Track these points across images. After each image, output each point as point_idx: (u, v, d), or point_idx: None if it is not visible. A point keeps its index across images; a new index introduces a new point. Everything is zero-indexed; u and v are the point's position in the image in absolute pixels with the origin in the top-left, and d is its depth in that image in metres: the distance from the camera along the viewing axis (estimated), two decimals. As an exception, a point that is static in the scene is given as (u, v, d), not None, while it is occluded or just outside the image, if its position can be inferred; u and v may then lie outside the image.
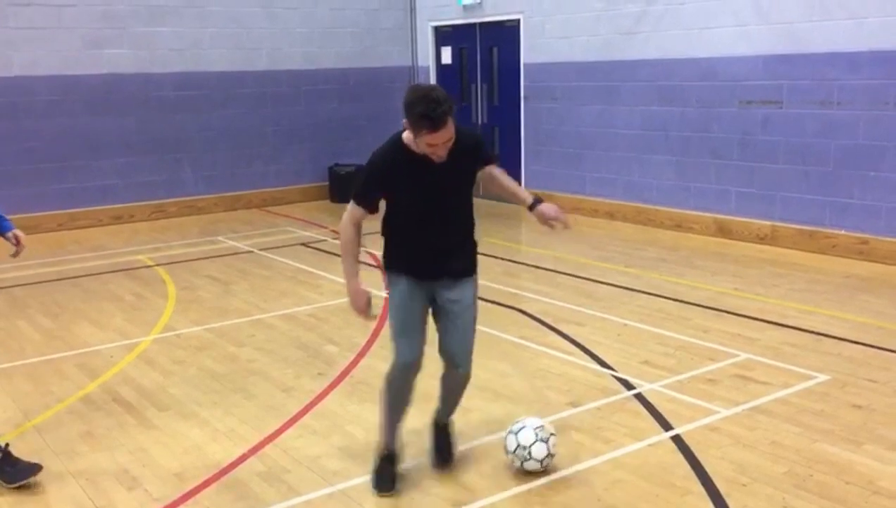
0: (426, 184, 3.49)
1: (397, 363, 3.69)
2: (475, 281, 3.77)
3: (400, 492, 3.79)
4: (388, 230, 3.71)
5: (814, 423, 4.41)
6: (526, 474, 3.86)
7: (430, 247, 3.63)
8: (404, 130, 3.49)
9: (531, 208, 3.78)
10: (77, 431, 4.55)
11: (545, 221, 3.78)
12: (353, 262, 3.66)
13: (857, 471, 3.89)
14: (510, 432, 3.88)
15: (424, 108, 3.25)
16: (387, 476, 3.81)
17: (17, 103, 9.96)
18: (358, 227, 3.63)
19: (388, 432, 3.84)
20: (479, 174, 3.76)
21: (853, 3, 7.73)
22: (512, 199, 3.88)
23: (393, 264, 3.72)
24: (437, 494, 3.80)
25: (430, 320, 3.78)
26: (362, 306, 3.67)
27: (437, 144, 3.34)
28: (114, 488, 3.93)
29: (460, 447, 4.14)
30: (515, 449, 3.82)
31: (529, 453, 3.79)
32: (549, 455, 3.83)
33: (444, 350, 3.75)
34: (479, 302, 3.86)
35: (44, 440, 4.45)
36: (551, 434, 3.86)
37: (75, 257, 8.91)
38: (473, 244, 3.79)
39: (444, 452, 4.03)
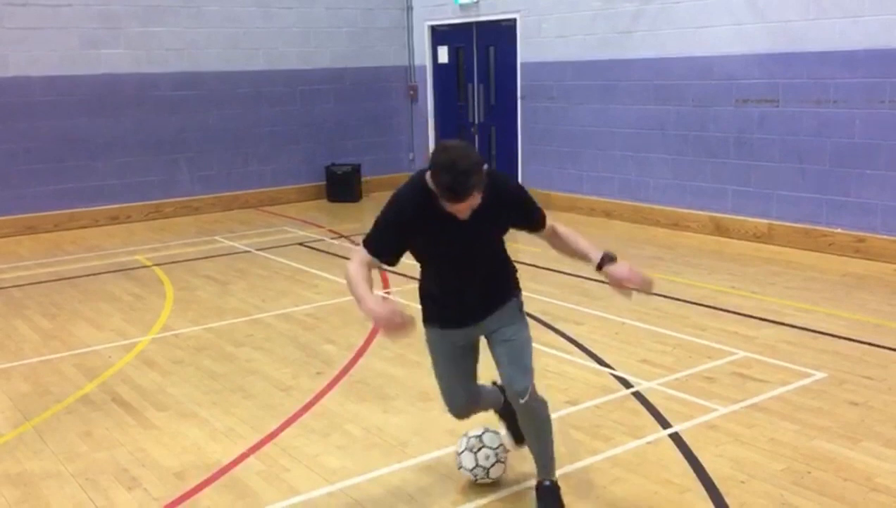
0: (452, 232, 3.19)
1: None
2: (517, 304, 3.48)
3: (400, 495, 3.80)
4: (420, 281, 3.50)
5: (811, 420, 4.42)
6: (521, 473, 3.88)
7: (461, 293, 3.37)
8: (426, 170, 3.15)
9: (599, 267, 3.32)
10: (76, 431, 4.56)
11: (617, 284, 3.29)
12: (364, 286, 3.13)
13: (854, 468, 3.91)
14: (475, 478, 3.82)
15: (450, 181, 2.97)
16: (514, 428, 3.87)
17: (14, 104, 9.94)
18: (367, 268, 3.18)
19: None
20: (540, 233, 3.49)
21: (849, 1, 7.74)
22: (579, 259, 3.52)
23: (427, 316, 3.49)
24: (435, 495, 3.80)
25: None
26: (388, 314, 3.00)
27: (460, 209, 3.08)
28: (113, 488, 3.93)
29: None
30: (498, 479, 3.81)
31: (489, 474, 3.75)
32: (497, 460, 3.75)
33: (502, 380, 3.46)
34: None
35: (43, 440, 4.45)
36: (477, 452, 3.73)
37: (72, 258, 8.90)
38: (508, 271, 3.51)
39: None
